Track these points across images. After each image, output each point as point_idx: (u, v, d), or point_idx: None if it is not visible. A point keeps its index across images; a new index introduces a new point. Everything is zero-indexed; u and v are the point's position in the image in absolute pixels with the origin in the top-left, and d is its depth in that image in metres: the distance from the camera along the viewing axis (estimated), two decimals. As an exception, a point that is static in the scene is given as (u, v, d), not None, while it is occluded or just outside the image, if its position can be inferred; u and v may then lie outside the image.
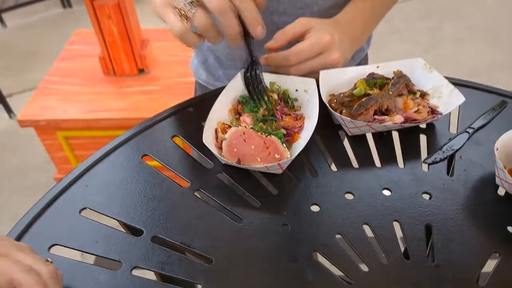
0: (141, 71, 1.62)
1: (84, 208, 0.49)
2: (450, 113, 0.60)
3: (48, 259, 0.42)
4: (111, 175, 0.53)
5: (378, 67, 0.65)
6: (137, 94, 1.53)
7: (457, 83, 0.68)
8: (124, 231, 0.48)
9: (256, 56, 0.59)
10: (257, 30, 0.53)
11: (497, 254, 0.45)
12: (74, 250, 0.46)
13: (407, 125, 0.58)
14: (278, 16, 0.69)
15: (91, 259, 0.48)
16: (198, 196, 0.52)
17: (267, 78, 0.63)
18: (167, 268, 0.44)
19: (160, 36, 1.80)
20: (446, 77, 0.62)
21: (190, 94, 1.33)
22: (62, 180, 0.52)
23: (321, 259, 0.45)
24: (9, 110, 2.16)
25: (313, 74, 0.62)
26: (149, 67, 1.61)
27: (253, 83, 0.59)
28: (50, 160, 1.74)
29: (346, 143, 0.60)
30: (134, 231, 0.48)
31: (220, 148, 0.55)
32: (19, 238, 0.46)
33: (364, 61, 0.87)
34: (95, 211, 0.49)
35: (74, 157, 1.61)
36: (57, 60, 1.69)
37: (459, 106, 0.59)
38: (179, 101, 0.65)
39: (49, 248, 0.46)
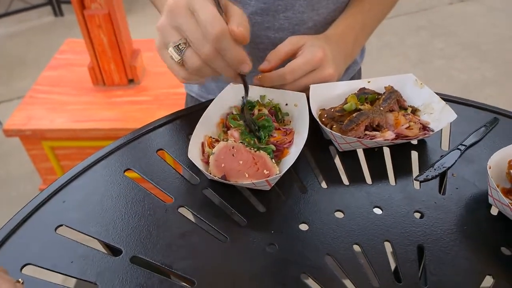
0: (130, 81, 1.60)
1: (60, 225, 0.47)
2: (441, 129, 0.59)
3: (20, 279, 0.40)
4: (90, 190, 0.51)
5: (369, 82, 0.64)
6: (126, 105, 1.51)
7: (448, 100, 0.67)
8: (102, 250, 0.46)
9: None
10: (242, 68, 0.51)
11: (491, 277, 0.43)
12: (48, 270, 0.43)
13: (399, 141, 0.57)
14: (274, 32, 0.68)
15: (67, 281, 0.45)
16: (182, 213, 0.49)
17: (257, 91, 0.62)
18: (146, 291, 0.41)
19: (151, 47, 1.79)
20: (438, 93, 0.62)
21: (180, 105, 1.31)
22: (37, 195, 0.49)
23: (309, 281, 0.43)
24: (-5, 118, 2.12)
25: (307, 89, 0.60)
26: (139, 77, 1.59)
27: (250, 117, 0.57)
28: (36, 171, 1.70)
29: (336, 159, 0.58)
30: (113, 251, 0.45)
31: (207, 163, 0.53)
32: (-11, 257, 0.44)
33: (357, 75, 0.86)
34: (72, 228, 0.47)
35: (60, 168, 1.58)
36: (46, 69, 1.67)
37: (451, 122, 0.58)
38: (168, 111, 0.63)
39: (22, 267, 0.43)
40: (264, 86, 0.61)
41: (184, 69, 0.50)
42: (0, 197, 1.80)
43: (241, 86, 0.62)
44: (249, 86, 0.61)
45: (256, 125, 0.57)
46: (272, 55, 0.60)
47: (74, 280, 0.43)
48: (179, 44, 0.48)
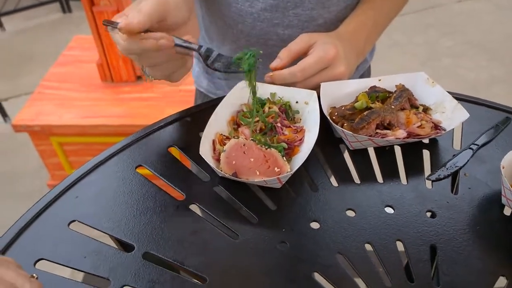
0: (139, 77, 1.60)
1: (73, 221, 0.47)
2: (453, 128, 0.59)
3: (34, 274, 0.40)
4: (102, 186, 0.51)
5: (380, 80, 0.64)
6: (134, 101, 1.51)
7: (459, 98, 0.66)
8: (115, 246, 0.46)
9: (200, 45, 0.54)
10: (162, 44, 0.49)
11: (505, 278, 0.43)
12: (62, 266, 0.44)
13: (410, 140, 0.57)
14: (283, 29, 0.67)
15: (79, 275, 0.46)
16: (193, 210, 0.50)
17: (268, 88, 0.62)
18: None
19: (159, 44, 1.79)
20: (449, 92, 0.61)
21: (188, 102, 1.32)
22: (50, 191, 0.50)
23: (321, 279, 0.43)
24: (4, 114, 2.14)
25: (318, 87, 0.60)
26: (147, 74, 1.59)
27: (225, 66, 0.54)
28: (43, 166, 1.71)
29: (347, 157, 0.58)
30: (125, 246, 0.46)
31: (218, 160, 0.53)
32: (4, 251, 0.44)
33: (367, 73, 0.86)
34: (85, 224, 0.47)
35: (68, 163, 1.59)
36: (54, 65, 1.68)
37: (462, 122, 0.58)
38: (176, 108, 0.63)
39: (35, 262, 0.44)
40: (275, 84, 0.61)
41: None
42: (7, 192, 1.81)
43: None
44: (259, 83, 0.61)
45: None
46: (284, 53, 0.60)
47: (81, 274, 0.44)
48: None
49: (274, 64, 0.60)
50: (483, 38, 2.85)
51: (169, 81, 0.56)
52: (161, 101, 1.51)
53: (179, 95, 1.52)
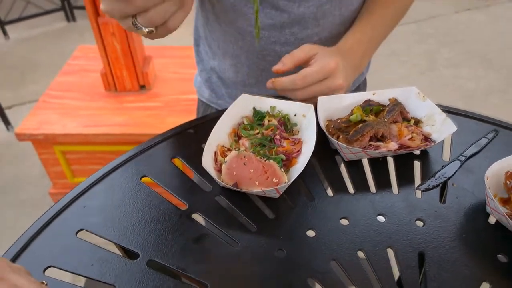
0: (142, 87, 1.64)
1: (81, 230, 0.50)
2: (443, 140, 0.62)
3: (44, 281, 0.42)
4: (109, 196, 0.54)
5: (374, 94, 0.67)
6: (137, 110, 1.54)
7: (450, 111, 0.69)
8: (120, 254, 0.49)
9: None
10: None
11: (488, 283, 0.46)
12: (70, 273, 0.46)
13: (402, 152, 0.59)
14: (280, 46, 0.71)
15: (86, 282, 0.48)
16: (195, 219, 0.52)
17: (268, 102, 0.65)
18: (162, 292, 0.44)
19: (162, 53, 1.83)
20: (440, 105, 0.64)
21: (190, 111, 1.35)
22: (60, 200, 0.52)
23: (316, 286, 0.46)
24: (7, 122, 2.17)
25: (315, 98, 0.63)
26: (150, 83, 1.63)
27: None
28: (46, 174, 1.73)
29: (342, 168, 0.61)
30: (130, 254, 0.48)
31: (219, 171, 0.56)
32: (15, 259, 0.47)
33: (363, 85, 0.89)
34: (92, 232, 0.50)
35: (71, 172, 1.61)
36: (59, 74, 1.71)
37: (452, 134, 0.61)
38: (179, 117, 0.66)
39: (45, 270, 0.46)
40: (276, 90, 0.64)
41: None
42: (10, 200, 1.83)
43: (253, 97, 0.65)
44: (259, 97, 0.65)
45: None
46: (287, 58, 0.63)
47: (87, 280, 0.46)
48: None
49: (276, 66, 0.63)
50: (482, 48, 2.89)
51: (165, 31, 0.49)
52: (163, 110, 1.54)
53: (181, 104, 1.55)
